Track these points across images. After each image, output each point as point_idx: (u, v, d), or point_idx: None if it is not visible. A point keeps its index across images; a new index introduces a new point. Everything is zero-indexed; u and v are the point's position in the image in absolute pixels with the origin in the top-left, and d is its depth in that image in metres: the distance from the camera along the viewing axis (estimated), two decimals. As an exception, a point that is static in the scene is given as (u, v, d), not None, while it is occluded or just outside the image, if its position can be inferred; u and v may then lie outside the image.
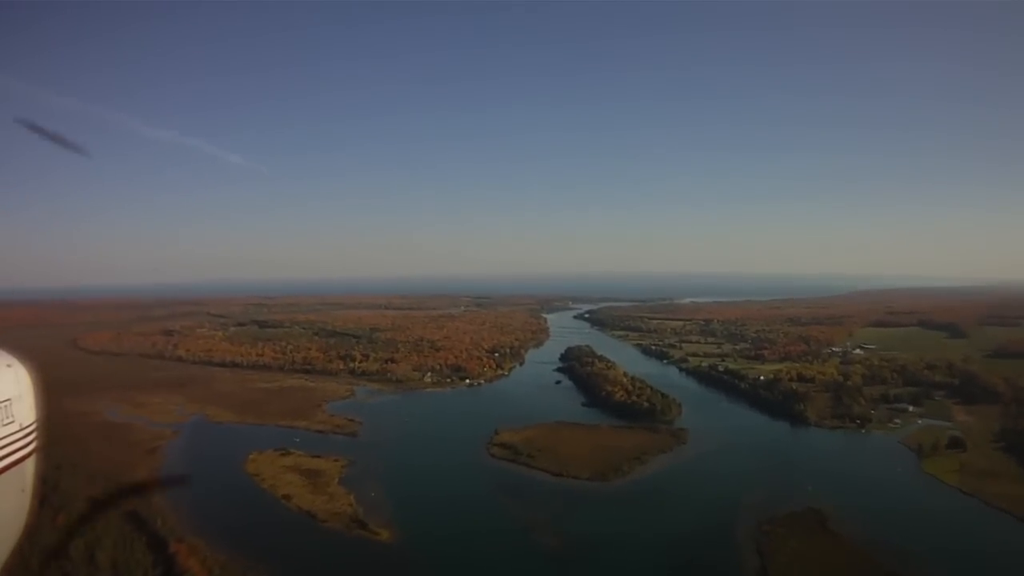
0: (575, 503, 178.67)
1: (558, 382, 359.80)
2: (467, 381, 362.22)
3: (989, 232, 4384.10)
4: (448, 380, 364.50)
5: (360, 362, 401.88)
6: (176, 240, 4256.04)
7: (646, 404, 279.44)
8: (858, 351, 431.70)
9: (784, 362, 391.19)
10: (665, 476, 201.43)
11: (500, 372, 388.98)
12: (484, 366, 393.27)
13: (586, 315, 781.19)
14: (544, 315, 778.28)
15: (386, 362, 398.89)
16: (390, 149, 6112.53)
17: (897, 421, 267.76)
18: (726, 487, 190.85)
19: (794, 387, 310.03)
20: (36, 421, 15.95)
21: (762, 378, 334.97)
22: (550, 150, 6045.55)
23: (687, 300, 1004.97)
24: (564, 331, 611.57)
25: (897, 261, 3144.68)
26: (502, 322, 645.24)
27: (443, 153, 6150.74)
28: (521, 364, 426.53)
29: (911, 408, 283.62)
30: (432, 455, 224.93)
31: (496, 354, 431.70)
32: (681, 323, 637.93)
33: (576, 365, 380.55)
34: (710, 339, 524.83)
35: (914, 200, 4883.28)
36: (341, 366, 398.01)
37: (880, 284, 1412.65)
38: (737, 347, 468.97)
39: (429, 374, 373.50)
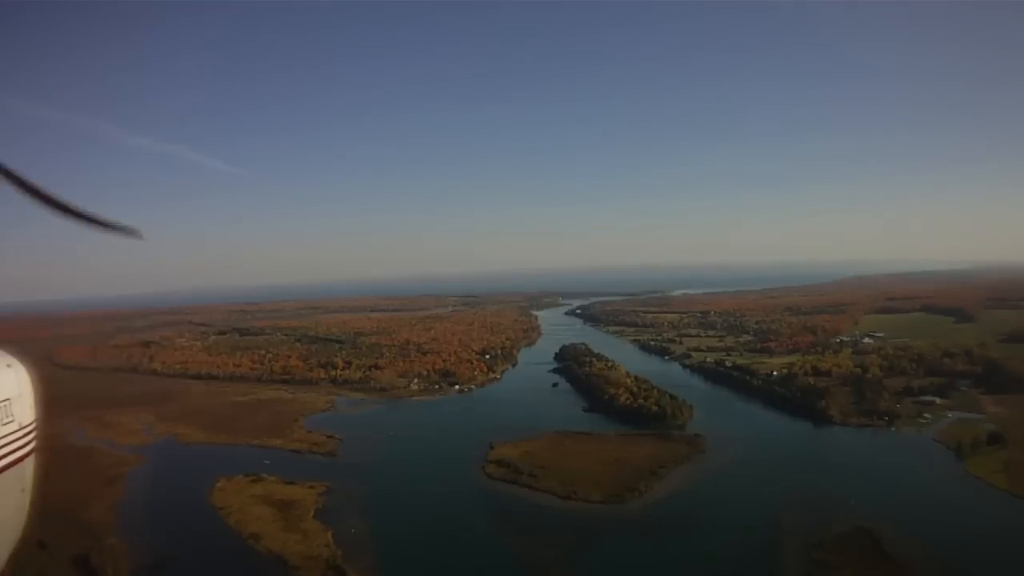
0: (589, 533, 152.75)
1: (555, 385, 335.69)
2: (457, 387, 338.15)
3: (974, 214, 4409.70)
4: (436, 387, 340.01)
5: (342, 370, 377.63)
6: (161, 248, 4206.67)
7: (654, 407, 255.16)
8: (868, 340, 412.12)
9: (793, 354, 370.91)
10: (688, 494, 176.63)
11: (492, 376, 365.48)
12: (475, 370, 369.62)
13: (578, 311, 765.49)
14: (534, 312, 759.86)
15: (370, 369, 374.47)
16: (372, 151, 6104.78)
17: (927, 416, 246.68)
18: (760, 505, 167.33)
19: (812, 382, 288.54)
20: (36, 420, 15.89)
21: (775, 373, 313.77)
22: (528, 147, 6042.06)
23: (679, 292, 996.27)
24: (557, 328, 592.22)
25: (881, 246, 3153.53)
26: (492, 321, 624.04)
27: (425, 154, 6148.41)
28: (514, 366, 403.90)
29: (938, 401, 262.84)
30: (421, 477, 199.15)
31: (487, 356, 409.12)
32: (677, 316, 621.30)
33: (573, 365, 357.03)
34: (710, 332, 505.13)
35: (897, 184, 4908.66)
36: (322, 375, 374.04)
37: (869, 270, 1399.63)
38: (740, 340, 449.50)
39: (416, 380, 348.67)
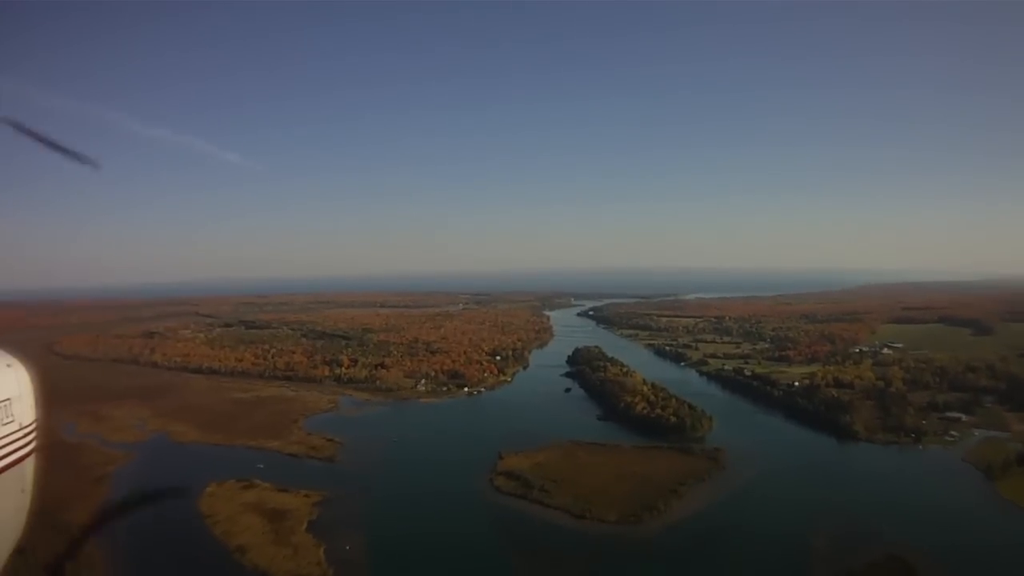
0: (605, 558, 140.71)
1: (568, 390, 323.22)
2: (466, 389, 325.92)
3: (981, 226, 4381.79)
4: (445, 388, 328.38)
5: (347, 368, 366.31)
6: (174, 239, 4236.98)
7: (672, 418, 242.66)
8: (886, 350, 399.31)
9: (812, 364, 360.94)
10: (710, 515, 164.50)
11: (502, 378, 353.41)
12: (485, 371, 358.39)
13: (590, 312, 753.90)
14: (546, 313, 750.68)
15: (376, 367, 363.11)
16: (387, 147, 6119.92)
17: (953, 433, 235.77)
18: (786, 527, 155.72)
19: (835, 394, 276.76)
20: (36, 420, 15.87)
21: (797, 384, 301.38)
22: (545, 147, 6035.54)
23: (692, 296, 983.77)
24: (569, 330, 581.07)
25: (887, 256, 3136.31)
26: (503, 321, 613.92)
27: (440, 150, 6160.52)
28: (525, 368, 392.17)
29: (964, 417, 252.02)
30: (424, 489, 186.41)
31: (498, 357, 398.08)
32: (692, 321, 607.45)
33: (587, 370, 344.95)
34: (726, 338, 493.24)
35: (905, 194, 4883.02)
36: (326, 372, 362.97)
37: (877, 279, 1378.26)
38: (757, 347, 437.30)
39: (423, 381, 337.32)
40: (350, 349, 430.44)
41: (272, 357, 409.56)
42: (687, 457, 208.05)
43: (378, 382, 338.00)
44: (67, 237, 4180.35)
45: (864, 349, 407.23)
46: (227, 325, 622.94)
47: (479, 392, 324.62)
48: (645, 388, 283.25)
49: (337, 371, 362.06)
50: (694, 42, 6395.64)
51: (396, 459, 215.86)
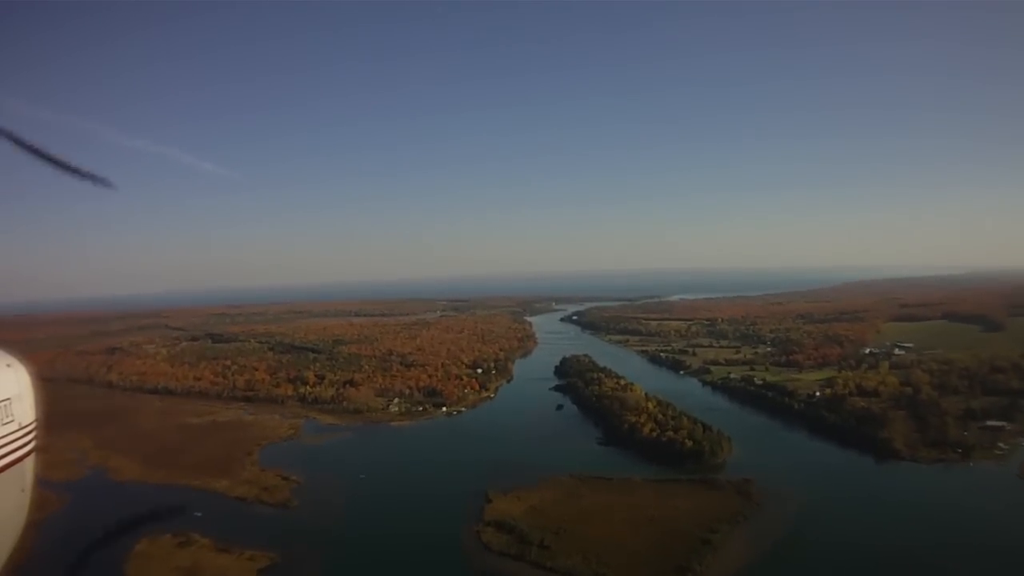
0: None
1: (559, 407, 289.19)
2: (444, 409, 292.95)
3: (958, 219, 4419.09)
4: (420, 408, 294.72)
5: (313, 386, 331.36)
6: (153, 249, 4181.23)
7: (688, 442, 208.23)
8: (899, 352, 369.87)
9: (824, 369, 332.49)
10: (758, 574, 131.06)
11: (485, 395, 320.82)
12: (465, 387, 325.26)
13: (574, 317, 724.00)
14: (528, 318, 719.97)
15: (344, 385, 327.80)
16: (363, 154, 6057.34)
17: (1002, 445, 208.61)
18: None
19: (864, 405, 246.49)
20: (36, 420, 15.92)
21: (818, 394, 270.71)
22: (519, 151, 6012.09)
23: (676, 297, 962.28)
24: (553, 336, 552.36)
25: (864, 251, 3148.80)
26: (483, 328, 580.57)
27: (414, 157, 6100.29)
28: (509, 381, 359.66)
29: (1007, 426, 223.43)
30: (396, 548, 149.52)
31: (479, 370, 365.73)
32: (683, 324, 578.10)
33: (579, 383, 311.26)
34: (723, 342, 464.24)
35: (878, 189, 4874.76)
36: (290, 391, 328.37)
37: (861, 275, 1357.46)
38: (758, 351, 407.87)
39: (396, 400, 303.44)
40: (318, 364, 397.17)
41: (232, 375, 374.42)
42: (712, 492, 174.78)
43: (346, 402, 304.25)
44: (45, 249, 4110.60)
45: (875, 351, 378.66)
46: (193, 339, 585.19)
47: (459, 412, 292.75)
48: (650, 405, 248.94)
49: (302, 390, 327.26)
50: (676, 37, 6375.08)
51: (362, 504, 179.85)
